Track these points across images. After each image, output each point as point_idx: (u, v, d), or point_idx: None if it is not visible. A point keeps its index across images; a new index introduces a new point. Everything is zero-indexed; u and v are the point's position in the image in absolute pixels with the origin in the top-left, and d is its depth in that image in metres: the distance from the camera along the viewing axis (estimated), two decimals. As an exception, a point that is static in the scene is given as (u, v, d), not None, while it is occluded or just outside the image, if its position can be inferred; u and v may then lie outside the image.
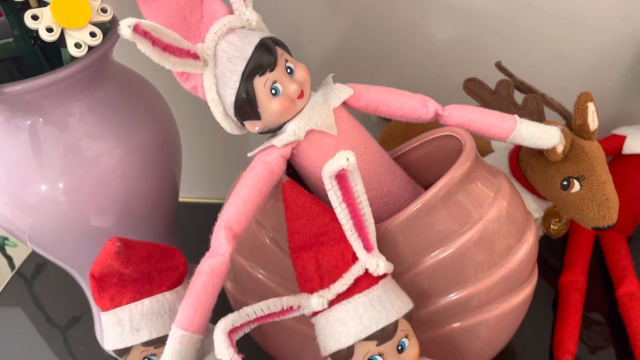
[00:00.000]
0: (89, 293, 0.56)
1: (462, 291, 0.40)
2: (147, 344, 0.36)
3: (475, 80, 0.45)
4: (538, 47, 0.59)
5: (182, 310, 0.33)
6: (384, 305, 0.34)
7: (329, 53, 0.61)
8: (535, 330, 0.56)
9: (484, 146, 0.55)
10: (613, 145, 0.57)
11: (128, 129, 0.44)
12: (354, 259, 0.35)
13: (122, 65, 0.48)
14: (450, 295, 0.40)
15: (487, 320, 0.41)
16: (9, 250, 0.79)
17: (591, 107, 0.42)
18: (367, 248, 0.35)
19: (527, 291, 0.42)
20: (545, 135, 0.39)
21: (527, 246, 0.40)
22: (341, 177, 0.34)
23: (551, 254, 0.63)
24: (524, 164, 0.46)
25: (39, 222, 0.44)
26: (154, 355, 0.37)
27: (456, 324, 0.41)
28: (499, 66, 0.46)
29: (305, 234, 0.36)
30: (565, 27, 0.57)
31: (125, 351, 0.36)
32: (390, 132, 0.60)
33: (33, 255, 0.74)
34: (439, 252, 0.38)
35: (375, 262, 0.35)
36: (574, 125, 0.42)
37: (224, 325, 0.32)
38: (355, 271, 0.35)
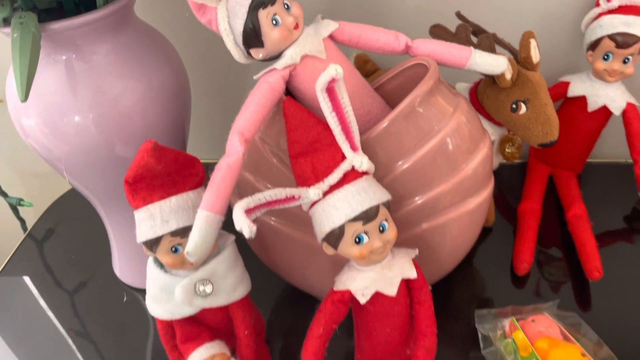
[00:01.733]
0: (108, 224, 0.63)
1: (430, 193, 0.48)
2: (174, 234, 0.44)
3: (439, 26, 0.54)
4: (495, 6, 0.68)
5: (205, 197, 0.41)
6: (367, 193, 0.43)
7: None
8: (499, 250, 0.65)
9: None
10: (560, 90, 0.67)
11: (147, 70, 0.52)
12: (343, 158, 0.44)
13: (141, 19, 0.56)
14: (420, 197, 0.48)
15: (453, 220, 0.50)
16: (22, 212, 0.85)
17: (533, 42, 0.51)
18: (353, 148, 0.43)
19: (485, 195, 0.51)
20: (495, 62, 0.48)
21: (481, 155, 0.49)
22: (330, 90, 0.42)
23: (512, 195, 0.72)
24: (481, 95, 0.54)
25: (73, 150, 0.51)
26: (180, 244, 0.44)
27: (427, 224, 0.50)
28: (459, 15, 0.55)
29: (302, 142, 0.44)
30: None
31: (155, 242, 0.44)
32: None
33: (44, 219, 0.80)
34: (409, 158, 0.47)
35: (359, 160, 0.43)
36: (520, 58, 0.51)
37: (241, 204, 0.40)
38: (344, 167, 0.43)
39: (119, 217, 0.60)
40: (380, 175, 0.47)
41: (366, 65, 0.69)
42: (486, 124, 0.56)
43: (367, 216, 0.42)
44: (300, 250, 0.52)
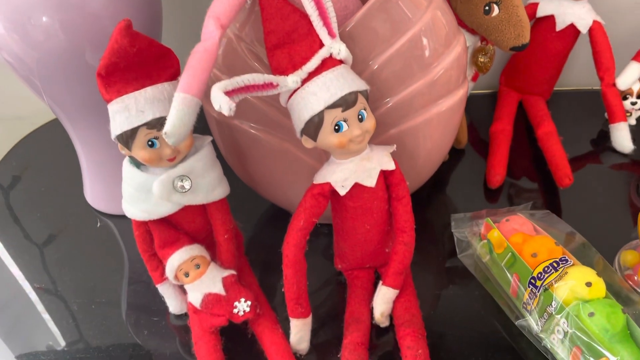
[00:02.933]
0: (79, 147, 0.61)
1: (405, 91, 0.48)
2: (150, 126, 0.43)
3: None
4: None
5: (182, 80, 0.40)
6: (346, 79, 0.43)
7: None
8: (473, 171, 0.67)
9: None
10: (530, 12, 0.68)
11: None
12: (321, 47, 0.43)
13: None
14: (396, 96, 0.48)
15: (429, 120, 0.50)
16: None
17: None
18: (331, 35, 0.43)
19: (459, 94, 0.51)
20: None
21: (455, 53, 0.50)
22: (307, -24, 0.42)
23: (484, 124, 0.73)
24: (455, 1, 0.55)
25: (43, 57, 0.50)
26: (156, 138, 0.43)
27: (404, 124, 0.50)
28: None
29: (278, 32, 0.44)
30: None
31: (131, 135, 0.43)
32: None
33: (8, 165, 0.77)
34: (385, 53, 0.47)
35: (337, 47, 0.43)
36: (492, -40, 0.52)
37: (219, 85, 0.40)
38: (322, 53, 0.43)
39: (91, 136, 0.59)
40: (357, 71, 0.47)
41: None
42: (464, 30, 0.56)
43: (346, 102, 0.42)
44: (279, 158, 0.51)
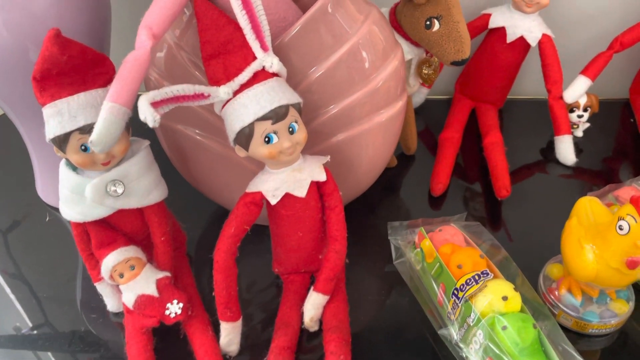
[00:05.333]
0: (29, 142, 0.62)
1: (343, 102, 0.49)
2: (82, 131, 0.43)
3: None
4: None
5: (112, 88, 0.40)
6: (277, 92, 0.44)
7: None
8: (420, 176, 0.68)
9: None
10: (482, 23, 0.69)
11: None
12: (254, 59, 0.44)
13: None
14: (333, 106, 0.49)
15: (370, 129, 0.52)
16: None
17: (448, -41, 0.52)
18: (264, 48, 0.44)
19: (398, 105, 0.53)
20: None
21: (392, 66, 0.51)
22: (241, -13, 0.42)
23: (438, 128, 0.74)
24: (399, 15, 0.56)
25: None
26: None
27: (343, 134, 0.51)
28: None
29: (214, 42, 0.45)
30: None
31: (64, 140, 0.44)
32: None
33: None
34: (322, 65, 0.48)
35: (270, 60, 0.44)
36: (435, -25, 0.53)
37: (145, 96, 0.40)
38: (254, 66, 0.44)
39: (39, 133, 0.59)
40: (295, 82, 0.48)
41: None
42: (405, 45, 0.57)
43: (277, 115, 0.43)
44: (222, 163, 0.52)
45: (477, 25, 0.69)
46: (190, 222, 0.60)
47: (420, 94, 0.76)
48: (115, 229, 0.50)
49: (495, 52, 0.69)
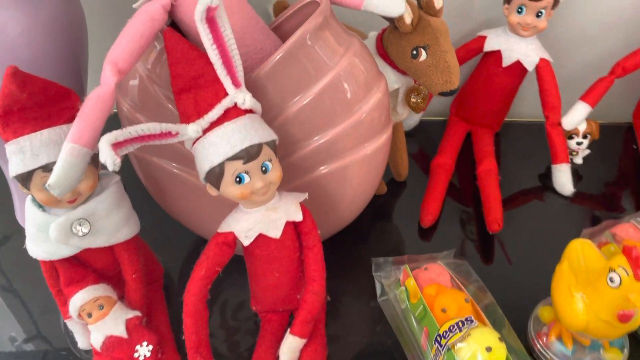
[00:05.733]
0: (4, 168, 0.60)
1: (325, 136, 0.47)
2: (45, 169, 0.42)
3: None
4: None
5: (72, 128, 0.38)
6: (249, 131, 0.41)
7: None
8: (411, 204, 0.65)
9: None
10: (477, 45, 0.66)
11: (34, 2, 0.49)
12: (226, 95, 0.42)
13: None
14: (315, 139, 0.47)
15: (352, 163, 0.49)
16: None
17: (436, -14, 0.50)
18: (235, 84, 0.42)
19: (383, 138, 0.50)
20: (391, 4, 0.47)
21: (375, 99, 0.48)
22: (211, 21, 0.40)
23: (433, 151, 0.72)
24: (386, 42, 0.53)
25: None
26: (54, 181, 0.42)
27: (326, 168, 0.49)
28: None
29: (184, 76, 0.42)
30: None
31: (27, 177, 0.42)
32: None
33: None
34: (301, 97, 0.46)
35: (242, 97, 0.42)
36: (422, 3, 0.50)
37: (107, 137, 0.38)
38: (225, 103, 0.42)
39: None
40: (273, 115, 0.46)
41: (284, 13, 0.67)
42: (390, 72, 0.55)
43: (248, 155, 0.41)
44: (198, 195, 0.50)
45: (472, 48, 0.67)
46: (168, 253, 0.58)
47: (414, 117, 0.73)
48: (85, 265, 0.48)
49: (491, 76, 0.67)
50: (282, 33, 0.50)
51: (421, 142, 0.76)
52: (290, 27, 0.50)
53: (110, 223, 0.46)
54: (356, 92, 0.48)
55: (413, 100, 0.56)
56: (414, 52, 0.51)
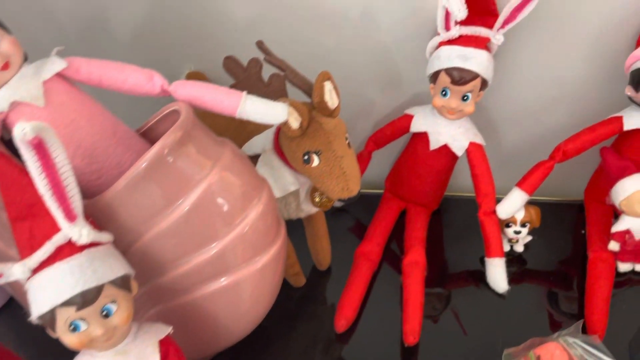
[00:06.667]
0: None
1: (204, 252, 0.42)
2: None
3: (231, 58, 0.46)
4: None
5: None
6: (83, 272, 0.36)
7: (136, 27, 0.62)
8: (332, 295, 0.59)
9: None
10: (404, 124, 0.61)
11: None
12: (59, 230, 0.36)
13: None
14: (194, 257, 0.42)
15: (241, 281, 0.44)
16: None
17: (328, 85, 0.44)
18: (70, 218, 0.36)
19: (273, 251, 0.45)
20: (271, 112, 0.41)
21: (256, 212, 0.43)
22: (39, 146, 0.34)
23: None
24: (281, 141, 0.47)
25: None
26: None
27: (211, 286, 0.44)
28: (259, 45, 0.47)
29: (18, 203, 0.37)
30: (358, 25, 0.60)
31: None
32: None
33: None
34: (165, 216, 0.40)
35: (77, 231, 0.36)
36: (314, 102, 0.44)
37: None
38: (56, 240, 0.36)
39: None
40: (130, 240, 0.41)
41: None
42: (286, 172, 0.49)
43: (83, 300, 0.35)
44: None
45: (399, 127, 0.61)
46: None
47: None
48: None
49: (421, 157, 0.61)
50: (154, 136, 0.45)
51: (358, 214, 0.70)
52: (159, 133, 0.44)
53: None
54: (233, 205, 0.42)
55: (317, 199, 0.51)
56: (306, 157, 0.45)
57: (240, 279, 0.45)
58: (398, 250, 0.65)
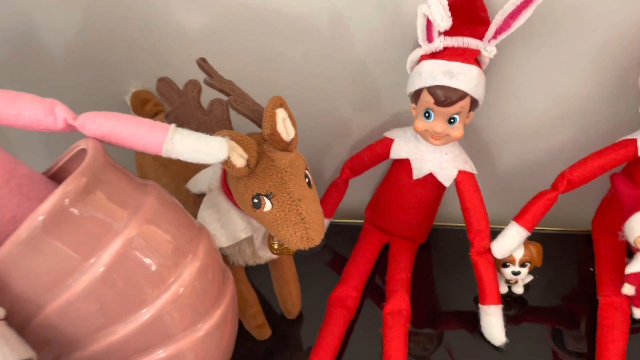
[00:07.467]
0: None
1: (125, 326, 0.35)
2: None
3: (165, 80, 0.38)
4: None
5: None
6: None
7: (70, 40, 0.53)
8: (305, 344, 0.51)
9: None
10: (384, 150, 0.52)
11: None
12: None
13: None
14: (110, 332, 0.34)
15: (181, 352, 0.36)
16: None
17: (281, 113, 0.36)
18: None
19: (216, 316, 0.37)
20: (206, 149, 0.33)
21: (190, 270, 0.35)
22: None
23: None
24: (229, 178, 0.39)
25: None
26: None
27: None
28: (200, 64, 0.39)
29: None
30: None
31: None
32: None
33: None
34: (71, 285, 0.32)
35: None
36: (265, 134, 0.36)
37: None
38: None
39: None
40: (30, 312, 0.33)
41: (145, 107, 0.53)
42: (235, 215, 0.40)
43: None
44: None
45: (377, 152, 0.53)
46: None
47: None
48: None
49: (403, 187, 0.53)
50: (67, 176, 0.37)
51: (337, 245, 0.61)
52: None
53: None
54: (162, 263, 0.34)
55: (276, 247, 0.42)
56: (255, 200, 0.37)
57: (181, 350, 0.37)
58: (380, 292, 0.56)
